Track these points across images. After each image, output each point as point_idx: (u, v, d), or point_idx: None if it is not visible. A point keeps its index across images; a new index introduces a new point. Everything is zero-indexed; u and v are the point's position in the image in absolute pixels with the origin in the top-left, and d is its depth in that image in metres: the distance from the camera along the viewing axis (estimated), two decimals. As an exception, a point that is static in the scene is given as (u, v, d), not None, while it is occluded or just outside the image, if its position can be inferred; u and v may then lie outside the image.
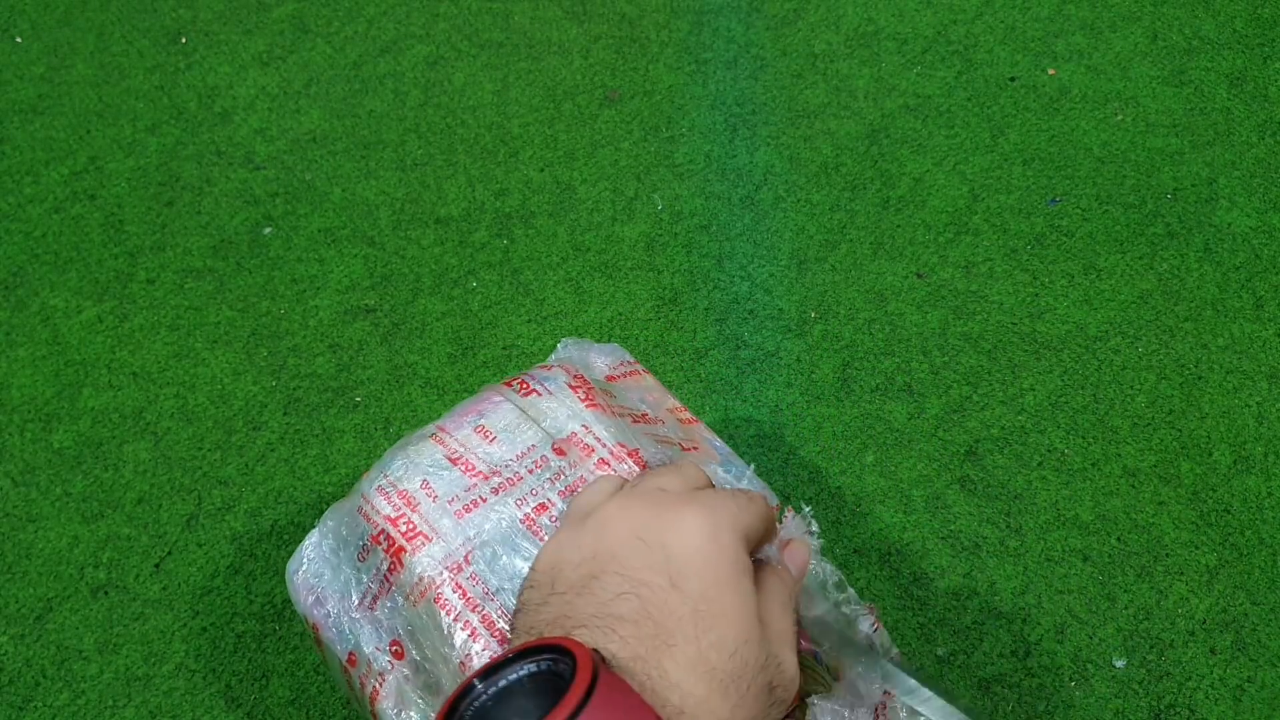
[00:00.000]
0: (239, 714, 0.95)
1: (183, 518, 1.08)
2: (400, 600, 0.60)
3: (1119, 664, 0.94)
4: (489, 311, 1.22)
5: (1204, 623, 0.96)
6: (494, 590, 0.57)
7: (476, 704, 0.32)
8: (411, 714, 0.59)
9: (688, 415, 0.72)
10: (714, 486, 0.46)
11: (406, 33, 1.55)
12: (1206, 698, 0.92)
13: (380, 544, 0.61)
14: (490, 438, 0.63)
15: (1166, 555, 1.00)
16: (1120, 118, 1.37)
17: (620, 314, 1.21)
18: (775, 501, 0.64)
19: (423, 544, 0.59)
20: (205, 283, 1.28)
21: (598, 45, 1.51)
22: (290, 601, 1.01)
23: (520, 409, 0.64)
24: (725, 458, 0.68)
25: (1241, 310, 1.17)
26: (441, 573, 0.58)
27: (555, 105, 1.44)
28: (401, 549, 0.59)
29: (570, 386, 0.66)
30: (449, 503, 0.60)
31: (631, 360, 0.77)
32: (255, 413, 1.15)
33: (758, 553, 0.43)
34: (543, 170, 1.37)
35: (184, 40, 1.57)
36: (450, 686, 0.57)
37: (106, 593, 1.03)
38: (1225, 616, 0.96)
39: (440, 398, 1.15)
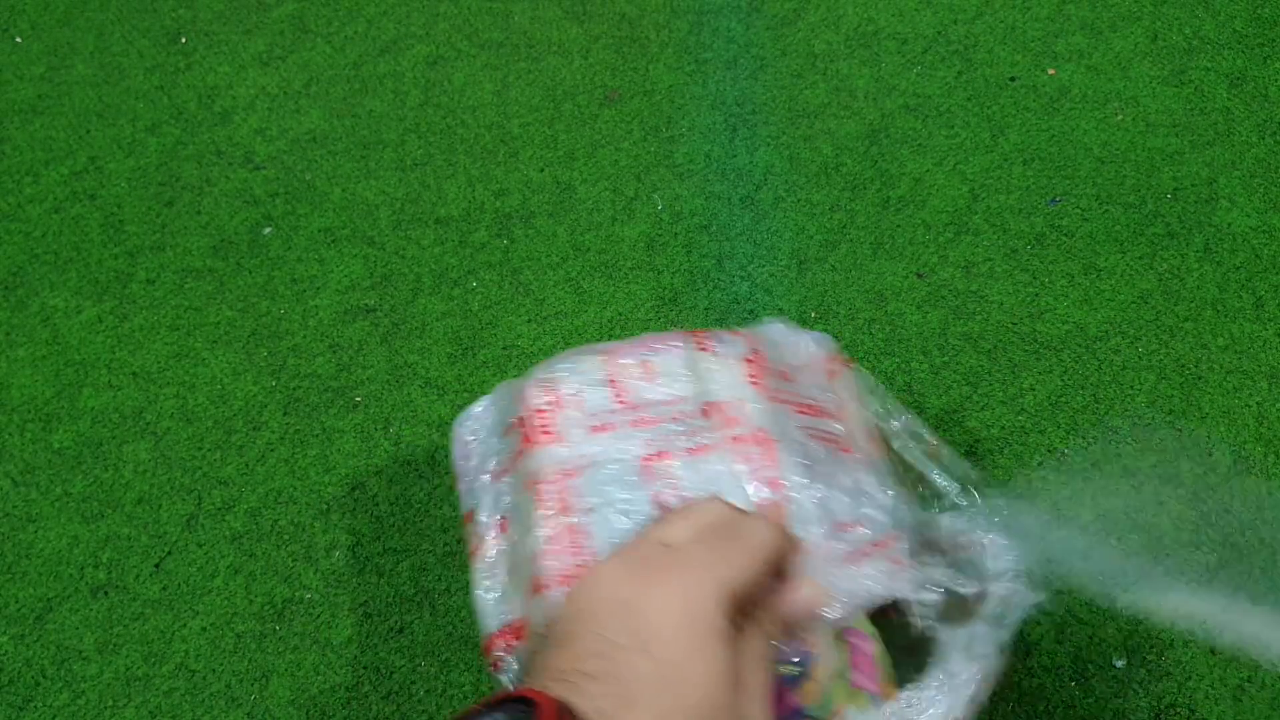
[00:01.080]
0: (239, 714, 0.96)
1: (183, 518, 1.08)
2: (516, 482, 0.64)
3: (1119, 664, 0.94)
4: (489, 311, 1.22)
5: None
6: (586, 507, 0.60)
7: None
8: (492, 584, 0.63)
9: (866, 430, 0.72)
10: (741, 517, 0.45)
11: (406, 33, 1.55)
12: (1206, 698, 0.92)
13: (521, 427, 0.65)
14: (652, 376, 0.65)
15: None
16: (1120, 118, 1.37)
17: (620, 314, 1.21)
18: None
19: (551, 442, 0.62)
20: (205, 283, 1.28)
21: (598, 45, 1.51)
22: (289, 601, 1.01)
23: (689, 361, 0.66)
24: (877, 471, 0.67)
25: (1241, 310, 1.17)
26: (552, 473, 0.61)
27: (555, 105, 1.44)
28: (532, 439, 0.63)
29: (745, 359, 0.67)
30: (589, 417, 0.63)
31: (839, 352, 0.78)
32: (255, 413, 1.15)
33: (766, 590, 0.43)
34: (543, 170, 1.37)
35: (184, 40, 1.57)
36: (525, 571, 0.61)
37: (106, 593, 1.03)
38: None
39: (440, 398, 1.15)
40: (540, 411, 0.64)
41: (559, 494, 0.60)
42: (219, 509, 1.08)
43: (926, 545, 0.62)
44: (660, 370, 0.66)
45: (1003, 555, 0.61)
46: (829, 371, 0.75)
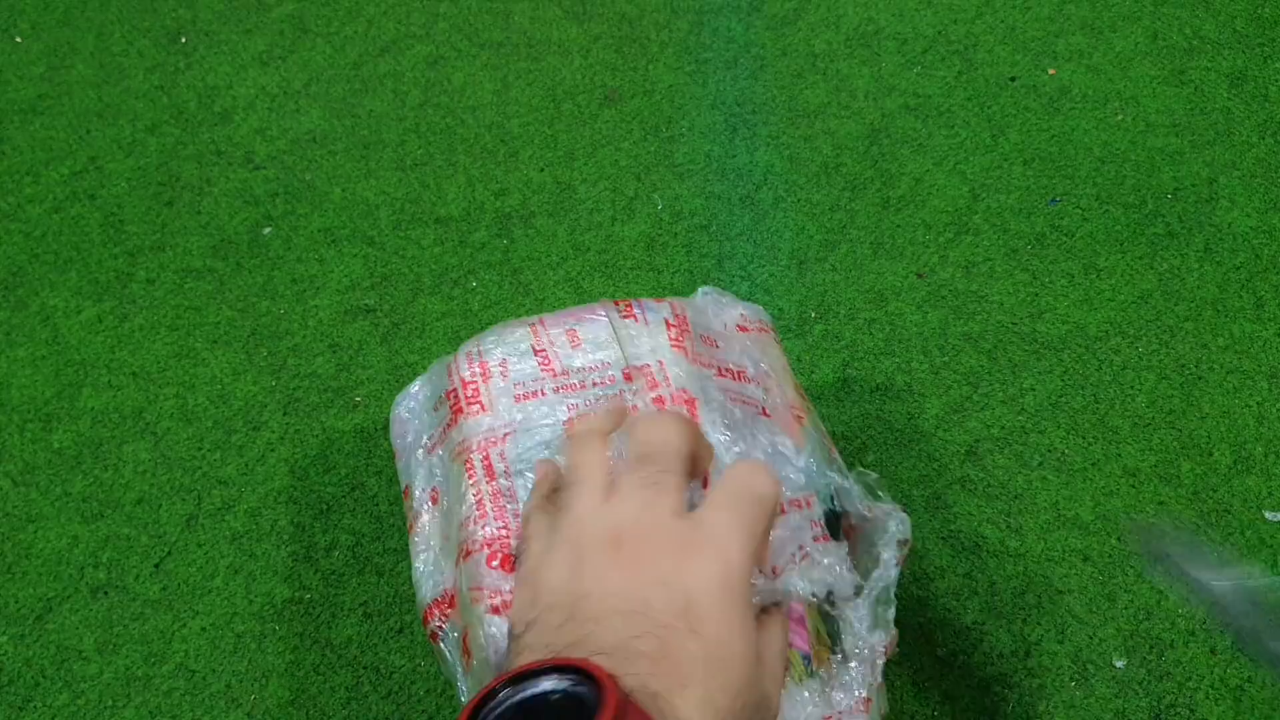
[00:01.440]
0: (239, 714, 0.96)
1: (183, 518, 1.08)
2: (446, 454, 0.66)
3: (1119, 664, 0.94)
4: (489, 311, 1.22)
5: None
6: (513, 472, 0.62)
7: (499, 710, 0.33)
8: (426, 555, 0.66)
9: (797, 399, 0.73)
10: (748, 474, 0.44)
11: (406, 33, 1.55)
12: (1207, 698, 0.92)
13: (449, 400, 0.67)
14: (576, 344, 0.68)
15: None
16: (1120, 117, 1.37)
17: (620, 314, 1.21)
18: (905, 530, 0.65)
19: (478, 412, 0.65)
20: (205, 283, 1.28)
21: (598, 45, 1.51)
22: (289, 601, 1.01)
23: (613, 328, 0.69)
24: (794, 435, 0.69)
25: (1242, 310, 1.17)
26: (480, 442, 0.64)
27: (555, 105, 1.44)
28: (461, 410, 0.66)
29: (667, 323, 0.70)
30: (515, 386, 0.66)
31: (770, 324, 0.80)
32: (255, 413, 1.15)
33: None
34: (543, 170, 1.37)
35: (184, 40, 1.57)
36: (453, 539, 0.62)
37: (106, 593, 1.04)
38: (1225, 616, 0.96)
39: (440, 398, 1.16)
40: (468, 383, 0.66)
41: (485, 461, 0.62)
42: (219, 509, 1.08)
43: (830, 522, 0.65)
44: (585, 338, 0.68)
45: (896, 522, 0.64)
46: (760, 333, 0.77)
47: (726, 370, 0.69)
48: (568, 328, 0.68)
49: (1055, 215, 1.27)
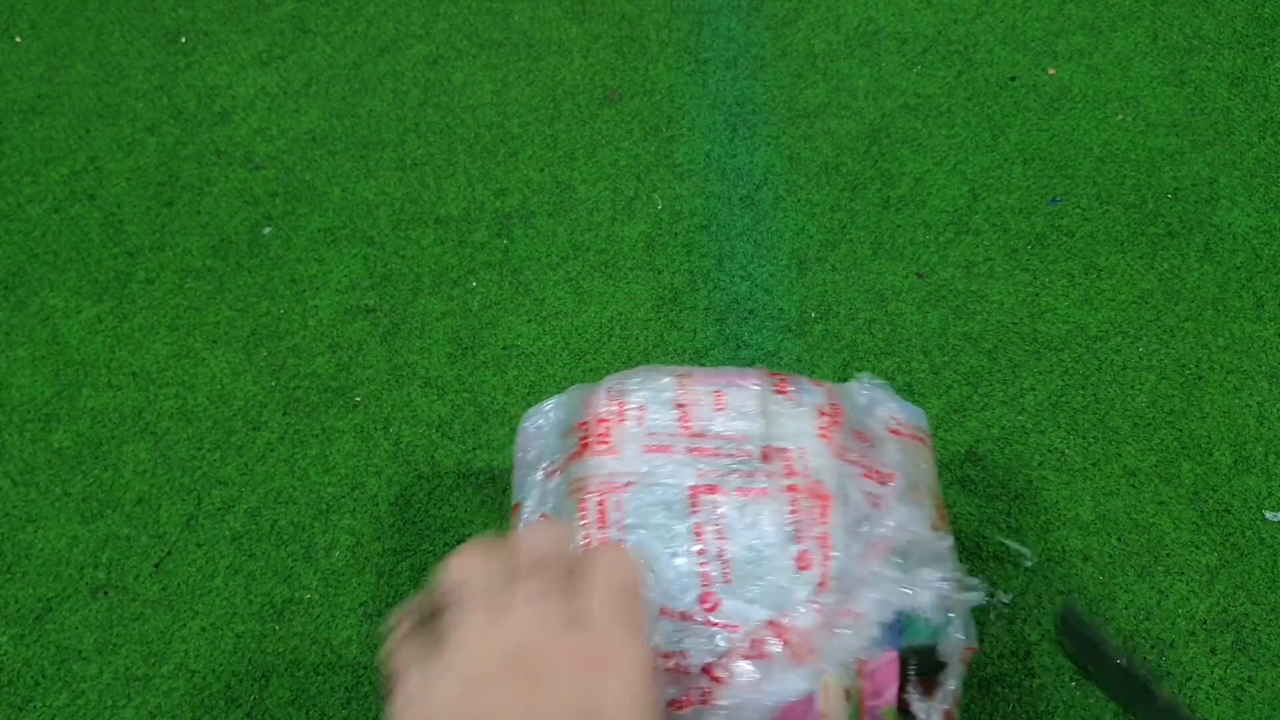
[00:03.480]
0: (239, 714, 0.96)
1: (182, 518, 1.08)
2: (564, 485, 0.64)
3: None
4: (489, 311, 1.22)
5: (1204, 623, 0.96)
6: (626, 525, 0.60)
7: None
8: None
9: (939, 520, 0.70)
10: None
11: (406, 32, 1.55)
12: (1207, 698, 0.92)
13: (580, 431, 0.65)
14: (720, 407, 0.65)
15: (1167, 555, 1.00)
16: (1121, 117, 1.37)
17: (620, 314, 1.21)
18: (971, 643, 0.63)
19: (605, 452, 0.63)
20: (205, 283, 1.28)
21: (598, 45, 1.51)
22: (289, 601, 1.01)
23: (762, 402, 0.65)
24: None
25: (1242, 310, 1.17)
26: (600, 484, 0.61)
27: (555, 105, 1.44)
28: (589, 445, 0.63)
29: (820, 411, 0.66)
30: (648, 435, 0.63)
31: (926, 431, 0.76)
32: (255, 413, 1.15)
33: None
34: (543, 170, 1.36)
35: (184, 40, 1.57)
36: None
37: (106, 593, 1.03)
38: (1225, 616, 0.96)
39: (440, 398, 1.15)
40: (602, 420, 0.64)
41: (600, 507, 0.60)
42: (219, 509, 1.08)
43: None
44: (732, 404, 0.65)
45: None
46: (912, 440, 0.72)
47: (874, 473, 0.65)
48: (715, 388, 0.65)
49: (1055, 215, 1.27)
